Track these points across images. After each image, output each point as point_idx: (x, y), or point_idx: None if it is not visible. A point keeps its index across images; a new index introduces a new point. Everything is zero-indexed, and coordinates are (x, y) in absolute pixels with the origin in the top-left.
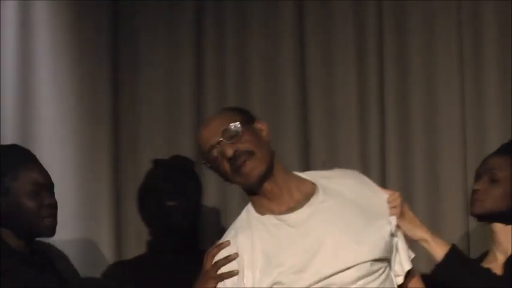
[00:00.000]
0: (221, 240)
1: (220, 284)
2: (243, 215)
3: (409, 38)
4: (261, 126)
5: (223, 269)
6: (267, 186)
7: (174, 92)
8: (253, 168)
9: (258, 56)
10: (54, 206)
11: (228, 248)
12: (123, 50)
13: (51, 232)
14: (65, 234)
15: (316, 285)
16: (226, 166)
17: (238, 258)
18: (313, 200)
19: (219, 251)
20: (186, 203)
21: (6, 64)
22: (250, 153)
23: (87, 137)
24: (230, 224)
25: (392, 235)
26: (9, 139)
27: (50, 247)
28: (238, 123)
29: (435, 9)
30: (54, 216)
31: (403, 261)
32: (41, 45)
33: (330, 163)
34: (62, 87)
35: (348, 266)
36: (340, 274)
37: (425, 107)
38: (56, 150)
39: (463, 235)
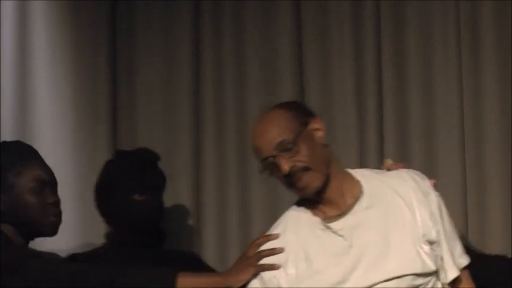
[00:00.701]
0: (269, 232)
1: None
2: (294, 210)
3: (407, 38)
4: (317, 125)
5: (265, 260)
6: (322, 194)
7: (172, 93)
8: (309, 182)
9: (255, 56)
10: (57, 205)
11: (275, 241)
12: (121, 50)
13: (54, 231)
14: (64, 235)
15: None
16: (282, 179)
17: (283, 254)
18: (356, 207)
19: (266, 241)
20: (153, 197)
21: (4, 64)
22: (306, 169)
23: (86, 137)
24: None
25: (437, 244)
26: (7, 138)
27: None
28: (294, 135)
29: (433, 8)
30: (57, 215)
31: (447, 269)
32: (39, 46)
33: None
34: (60, 88)
35: (387, 278)
36: (379, 286)
37: (424, 106)
38: (55, 150)
39: (461, 234)
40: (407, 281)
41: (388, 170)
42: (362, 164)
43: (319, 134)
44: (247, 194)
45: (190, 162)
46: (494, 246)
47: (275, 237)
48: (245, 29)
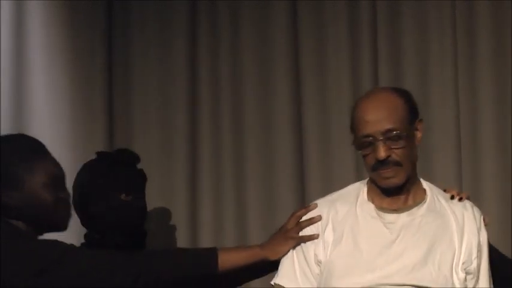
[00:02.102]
0: (327, 196)
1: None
2: (356, 189)
3: (403, 37)
4: (420, 126)
5: (305, 231)
6: (394, 189)
7: (168, 93)
8: (393, 177)
9: (251, 55)
10: (68, 199)
11: (317, 209)
12: (117, 50)
13: (66, 226)
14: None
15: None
16: (370, 159)
17: (324, 219)
18: (415, 210)
19: (306, 213)
20: (138, 197)
21: (1, 64)
22: (398, 164)
23: (82, 137)
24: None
25: (472, 276)
26: None
27: None
28: (403, 129)
29: (428, 7)
30: (68, 209)
31: None
32: (35, 46)
33: (324, 163)
34: (56, 87)
35: (415, 284)
36: None
37: (419, 105)
38: (51, 150)
39: None
40: None
41: (453, 197)
42: (358, 165)
43: (419, 135)
44: (243, 194)
45: (186, 161)
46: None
47: (313, 207)
48: (241, 28)
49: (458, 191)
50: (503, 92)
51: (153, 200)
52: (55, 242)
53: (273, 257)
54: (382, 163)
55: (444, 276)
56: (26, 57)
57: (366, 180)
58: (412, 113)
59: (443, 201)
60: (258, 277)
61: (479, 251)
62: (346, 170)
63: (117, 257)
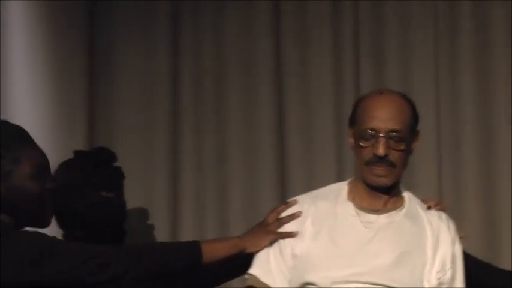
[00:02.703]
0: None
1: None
2: (337, 189)
3: (385, 38)
4: (417, 137)
5: (285, 227)
6: (379, 190)
7: (150, 92)
8: (384, 176)
9: (235, 55)
10: (55, 190)
11: (298, 205)
12: (100, 50)
13: (48, 222)
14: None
15: (350, 285)
16: (366, 154)
17: (303, 214)
18: (393, 213)
19: (287, 208)
20: (117, 195)
21: None
22: (393, 165)
23: (63, 137)
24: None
25: (445, 285)
26: None
27: None
28: (407, 134)
29: (411, 8)
30: (51, 203)
31: None
32: (16, 46)
33: (306, 162)
34: (37, 88)
35: (386, 284)
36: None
37: None
38: None
39: None
40: None
41: (430, 207)
42: (339, 165)
43: (415, 144)
44: (225, 194)
45: (168, 161)
46: (470, 247)
47: (294, 203)
48: (225, 28)
49: (436, 201)
50: (485, 91)
51: (134, 199)
52: (39, 235)
53: (251, 249)
54: (378, 159)
55: (415, 282)
56: (6, 58)
57: (347, 181)
58: (415, 121)
59: (420, 211)
60: (239, 275)
61: (453, 262)
62: (328, 171)
63: (106, 250)
